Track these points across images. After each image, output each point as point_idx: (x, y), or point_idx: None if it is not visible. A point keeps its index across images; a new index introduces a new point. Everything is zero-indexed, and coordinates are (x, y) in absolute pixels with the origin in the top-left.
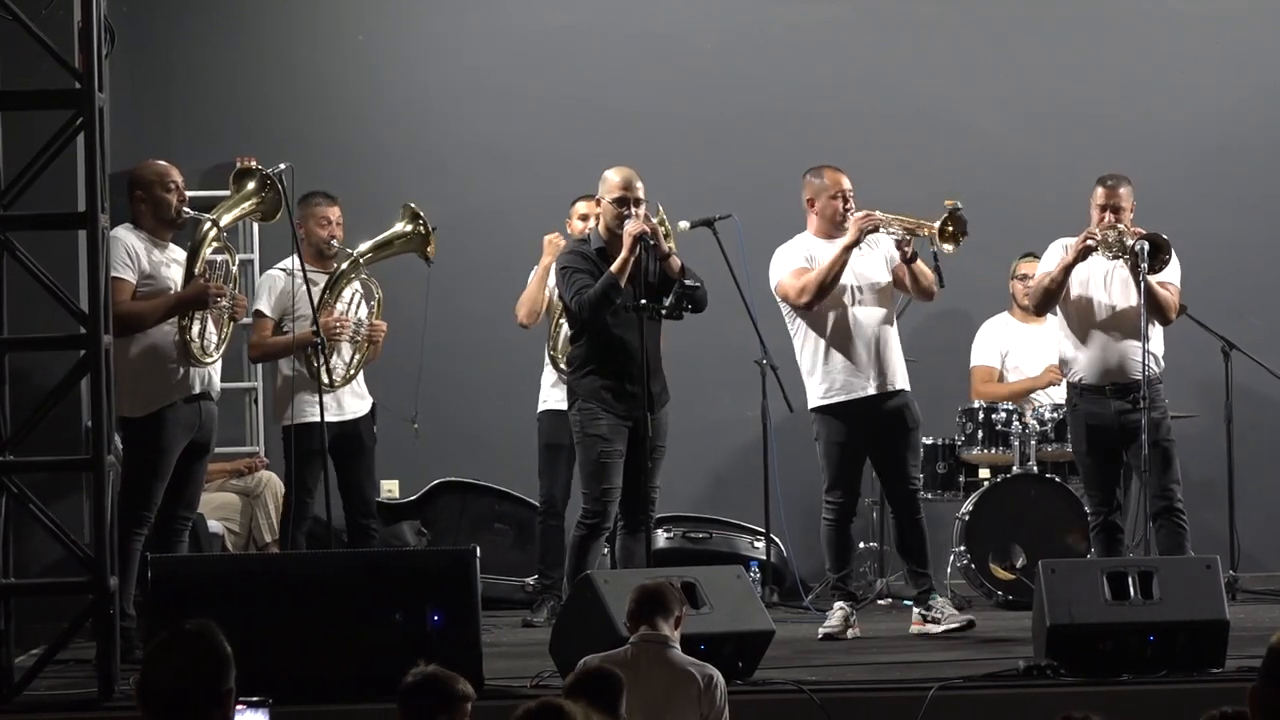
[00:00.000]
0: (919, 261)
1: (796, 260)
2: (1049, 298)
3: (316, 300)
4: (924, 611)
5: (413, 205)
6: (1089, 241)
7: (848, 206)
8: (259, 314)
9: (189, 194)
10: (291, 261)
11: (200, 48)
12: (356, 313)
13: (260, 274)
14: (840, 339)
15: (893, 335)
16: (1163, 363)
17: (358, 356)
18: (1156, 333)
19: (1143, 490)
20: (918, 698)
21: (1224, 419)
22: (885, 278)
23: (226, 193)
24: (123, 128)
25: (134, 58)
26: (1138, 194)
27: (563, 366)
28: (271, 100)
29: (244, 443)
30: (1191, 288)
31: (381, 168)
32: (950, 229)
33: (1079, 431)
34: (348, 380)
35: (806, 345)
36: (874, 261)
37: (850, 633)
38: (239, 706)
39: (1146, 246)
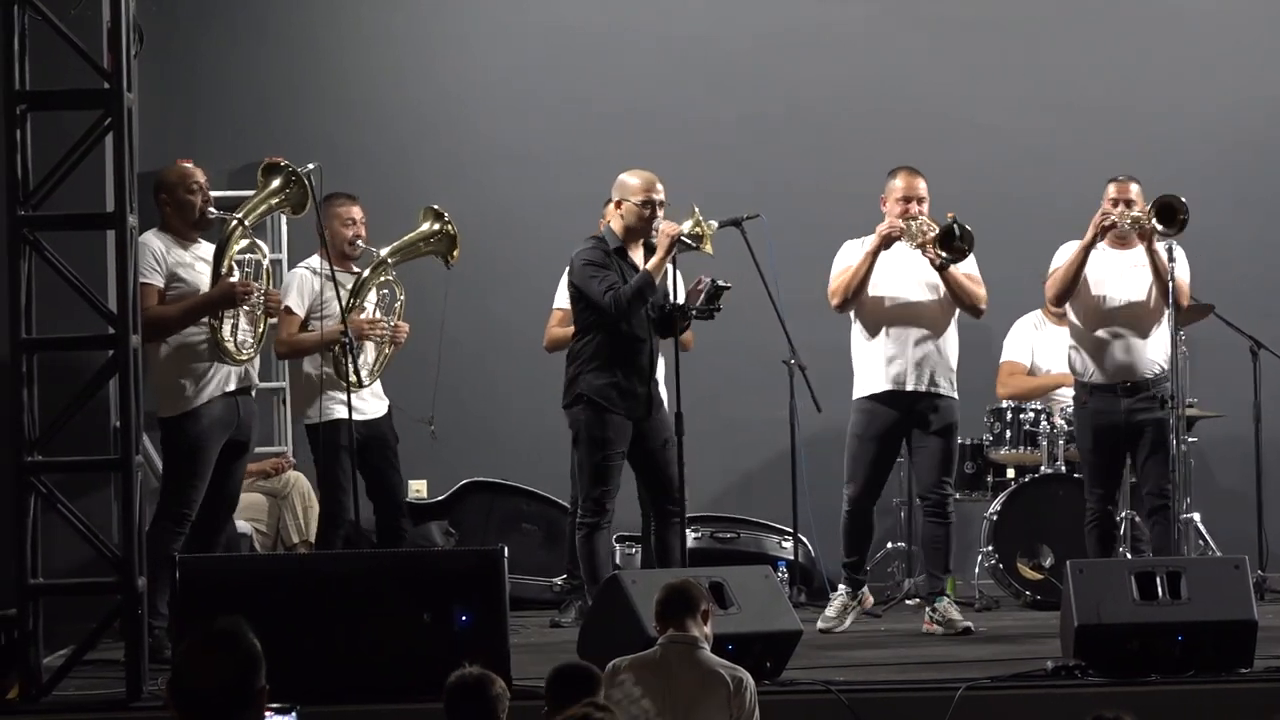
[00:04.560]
0: (957, 275)
1: (845, 261)
2: (1068, 285)
3: (344, 300)
4: (930, 612)
5: (436, 207)
6: (1105, 219)
7: (907, 210)
8: (287, 310)
9: (217, 194)
10: (318, 260)
11: (228, 48)
12: (380, 314)
13: (288, 272)
14: (882, 336)
15: (942, 339)
16: (1166, 362)
17: (380, 357)
18: (1164, 333)
19: (1174, 491)
20: (945, 697)
21: (1252, 418)
22: (941, 283)
23: (254, 191)
24: (151, 127)
25: (162, 58)
26: (1163, 191)
27: None
28: (298, 101)
29: (271, 442)
30: (1219, 286)
31: (406, 169)
32: (945, 242)
33: (1085, 429)
34: (372, 380)
35: (854, 339)
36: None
37: (848, 620)
38: (265, 712)
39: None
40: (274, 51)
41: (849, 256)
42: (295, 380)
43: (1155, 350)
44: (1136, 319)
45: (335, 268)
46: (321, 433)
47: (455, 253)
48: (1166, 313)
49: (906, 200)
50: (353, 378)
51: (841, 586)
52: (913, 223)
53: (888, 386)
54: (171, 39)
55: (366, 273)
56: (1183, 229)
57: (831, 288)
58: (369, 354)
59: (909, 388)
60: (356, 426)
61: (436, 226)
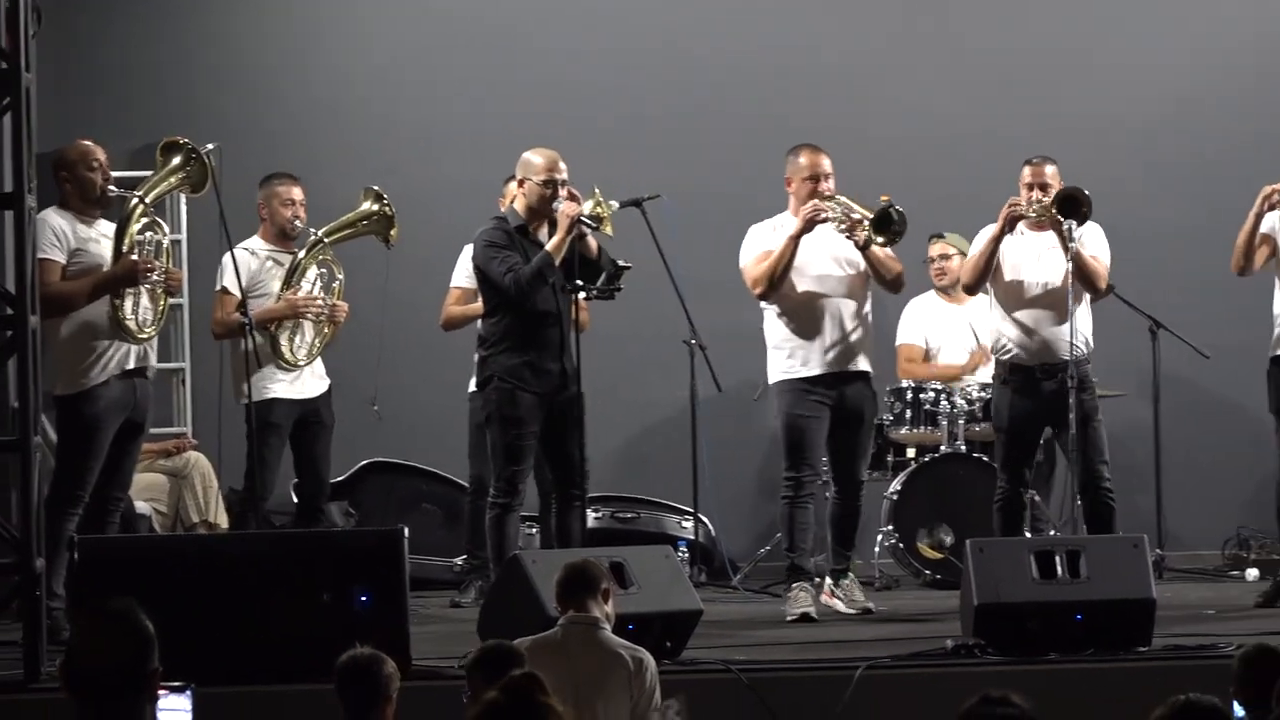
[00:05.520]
0: (879, 252)
1: (761, 244)
2: (980, 273)
3: (280, 281)
4: (834, 587)
5: (376, 188)
6: (1013, 209)
7: (820, 186)
8: (223, 290)
9: (117, 173)
10: (256, 240)
11: (127, 28)
12: (319, 293)
13: (188, 255)
14: (804, 315)
15: (862, 317)
16: (1092, 343)
17: (318, 338)
18: (1085, 314)
19: (1070, 471)
20: (845, 676)
21: (1151, 398)
22: (858, 259)
23: (153, 171)
24: (50, 107)
25: (62, 37)
26: (1080, 174)
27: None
28: (198, 81)
29: (171, 423)
30: (1119, 266)
31: (306, 150)
32: (881, 226)
33: (1003, 408)
34: (310, 360)
35: (772, 319)
36: (847, 242)
37: (813, 610)
38: (160, 690)
39: (1073, 225)
40: (173, 31)
41: (760, 241)
42: (234, 360)
43: (1074, 332)
44: (1053, 301)
45: (276, 248)
46: (254, 411)
47: (394, 233)
48: (1086, 295)
49: (814, 179)
50: (289, 358)
51: (795, 584)
52: (834, 204)
53: (815, 370)
54: (70, 19)
55: (303, 253)
56: (1085, 220)
57: (752, 276)
58: (307, 333)
59: (835, 369)
60: (292, 405)
61: (375, 207)
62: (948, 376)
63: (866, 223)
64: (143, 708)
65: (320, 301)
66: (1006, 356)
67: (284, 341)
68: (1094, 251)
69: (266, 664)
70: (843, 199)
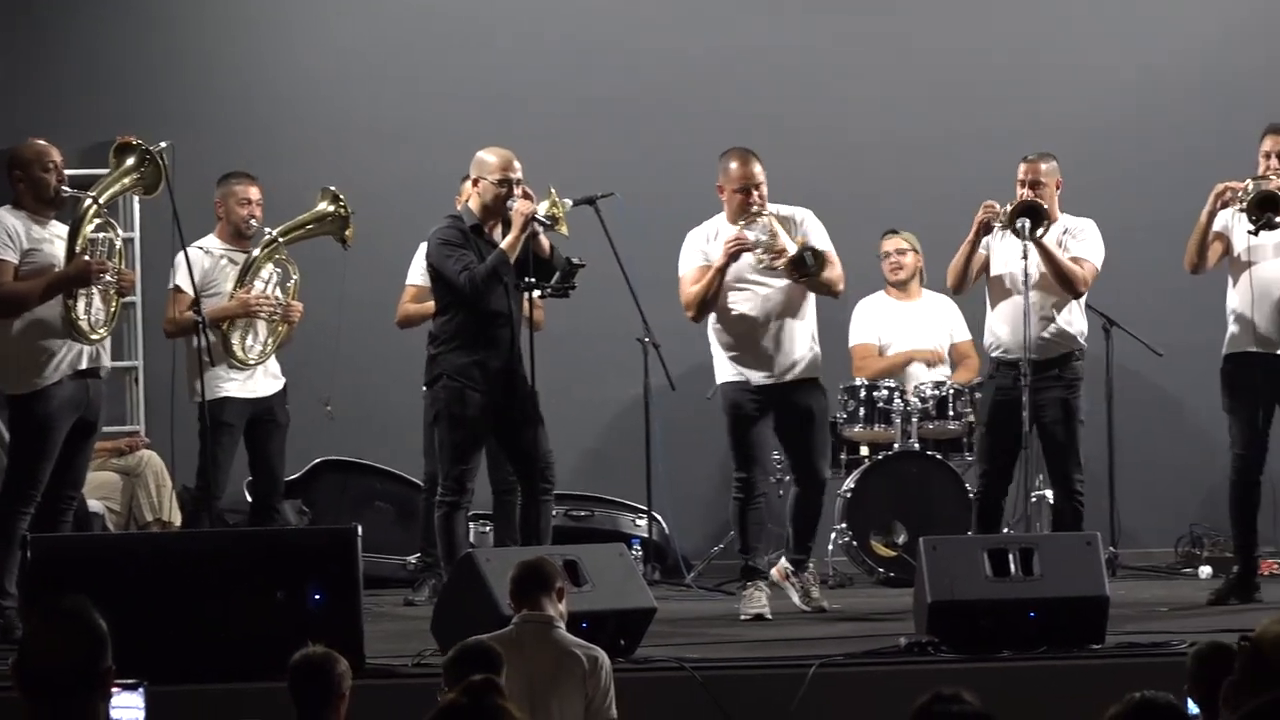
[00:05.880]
0: (813, 275)
1: (697, 257)
2: (959, 276)
3: (233, 280)
4: (793, 573)
5: (333, 188)
6: (987, 215)
7: (751, 199)
8: (176, 289)
9: (70, 172)
10: (212, 239)
11: (81, 24)
12: (274, 293)
13: (140, 253)
14: (743, 329)
15: (800, 324)
16: (1084, 341)
17: (272, 338)
18: (1080, 312)
19: (1023, 466)
20: (799, 674)
21: (1104, 396)
22: None
23: (107, 170)
24: (2, 105)
25: (14, 34)
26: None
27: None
28: (154, 77)
29: (124, 422)
30: None
31: (264, 146)
32: (795, 267)
33: (986, 403)
34: (263, 359)
35: (714, 326)
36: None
37: (767, 610)
38: (113, 688)
39: (1027, 224)
40: (128, 26)
41: (696, 253)
42: (187, 358)
43: (1059, 328)
44: (1039, 297)
45: (231, 247)
46: (206, 410)
47: (349, 233)
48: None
49: (745, 191)
50: (241, 357)
51: (750, 583)
52: (759, 227)
53: (759, 382)
54: (22, 15)
55: (257, 251)
56: (1044, 230)
57: (685, 298)
58: (260, 332)
59: (781, 379)
60: (245, 404)
61: (331, 208)
62: (901, 363)
63: (785, 263)
64: (96, 706)
65: (274, 300)
66: (993, 353)
67: (236, 340)
68: (1080, 253)
69: (220, 662)
70: (772, 220)
